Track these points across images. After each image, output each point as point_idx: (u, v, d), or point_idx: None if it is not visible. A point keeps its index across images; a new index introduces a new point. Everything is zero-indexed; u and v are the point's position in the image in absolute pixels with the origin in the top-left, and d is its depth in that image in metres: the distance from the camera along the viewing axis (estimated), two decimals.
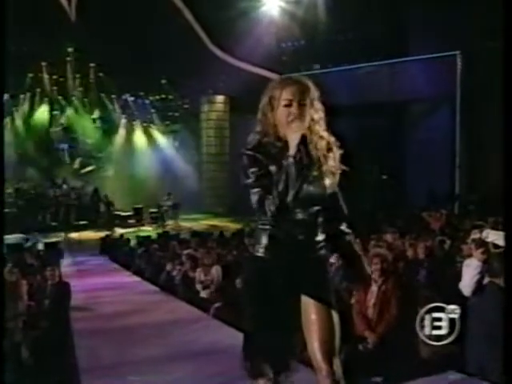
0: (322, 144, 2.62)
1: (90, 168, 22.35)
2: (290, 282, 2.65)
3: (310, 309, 2.63)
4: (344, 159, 2.65)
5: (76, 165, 22.25)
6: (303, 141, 2.58)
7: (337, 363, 2.65)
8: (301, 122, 2.58)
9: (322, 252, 2.66)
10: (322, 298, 2.63)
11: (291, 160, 2.53)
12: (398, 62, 16.32)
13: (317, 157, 2.61)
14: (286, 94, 2.62)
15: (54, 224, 19.52)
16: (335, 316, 2.64)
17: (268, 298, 2.68)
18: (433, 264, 6.59)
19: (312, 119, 2.62)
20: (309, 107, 2.62)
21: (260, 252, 2.67)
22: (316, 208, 2.62)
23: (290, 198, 2.53)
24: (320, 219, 2.64)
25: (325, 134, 2.64)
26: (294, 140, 2.55)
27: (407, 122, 16.92)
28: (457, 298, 5.06)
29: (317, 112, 2.64)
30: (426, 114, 16.36)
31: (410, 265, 6.82)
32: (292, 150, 2.54)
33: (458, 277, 6.11)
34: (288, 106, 2.61)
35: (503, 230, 4.30)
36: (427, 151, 15.83)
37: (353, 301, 5.54)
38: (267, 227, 2.65)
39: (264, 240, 2.66)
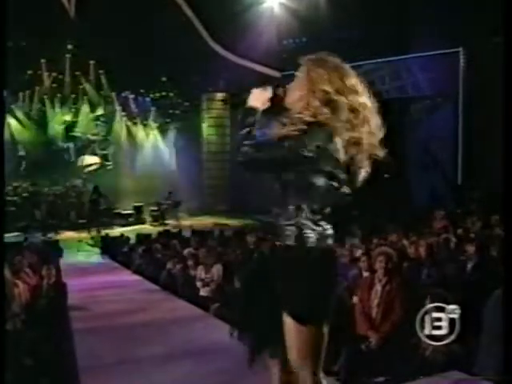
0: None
1: (93, 167, 22.29)
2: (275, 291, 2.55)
3: (288, 325, 2.52)
4: None
5: (79, 163, 22.19)
6: None
7: (319, 375, 2.56)
8: None
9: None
10: (300, 316, 2.49)
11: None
12: (400, 59, 16.24)
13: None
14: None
15: (53, 222, 19.46)
16: (318, 332, 2.52)
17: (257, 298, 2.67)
18: (436, 263, 6.56)
19: None
20: None
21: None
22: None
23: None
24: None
25: None
26: None
27: (409, 120, 16.83)
28: (461, 297, 5.02)
29: None
30: (428, 111, 16.29)
31: (413, 264, 6.79)
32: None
33: (461, 276, 6.09)
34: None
35: (504, 228, 4.29)
36: (429, 149, 15.77)
37: (355, 300, 5.52)
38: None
39: None
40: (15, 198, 19.53)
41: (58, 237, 17.16)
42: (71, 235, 18.23)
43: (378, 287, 5.28)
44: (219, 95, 21.79)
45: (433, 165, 15.58)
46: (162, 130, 23.42)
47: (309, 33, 17.08)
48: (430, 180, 15.23)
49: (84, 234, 18.52)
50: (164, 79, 21.09)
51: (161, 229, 18.01)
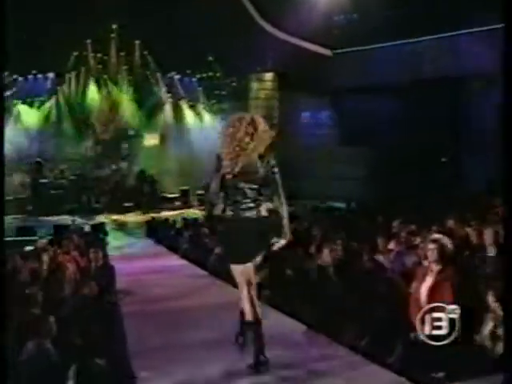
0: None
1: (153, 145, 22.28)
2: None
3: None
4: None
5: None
6: None
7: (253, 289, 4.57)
8: None
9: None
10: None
11: None
12: (454, 35, 15.53)
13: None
14: None
15: (99, 206, 19.57)
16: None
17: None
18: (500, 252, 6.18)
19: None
20: None
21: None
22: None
23: None
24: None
25: None
26: None
27: (466, 100, 16.13)
28: None
29: None
30: (485, 90, 15.56)
31: (473, 253, 6.45)
32: None
33: None
34: None
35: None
36: (487, 133, 15.09)
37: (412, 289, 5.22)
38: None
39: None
40: (63, 181, 19.73)
41: (105, 220, 17.22)
42: (118, 219, 18.29)
43: (430, 277, 4.99)
44: (267, 75, 21.41)
45: (490, 149, 14.90)
46: (209, 111, 23.19)
47: (360, 9, 16.53)
48: (487, 165, 14.58)
49: (131, 218, 18.58)
50: (211, 59, 20.85)
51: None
